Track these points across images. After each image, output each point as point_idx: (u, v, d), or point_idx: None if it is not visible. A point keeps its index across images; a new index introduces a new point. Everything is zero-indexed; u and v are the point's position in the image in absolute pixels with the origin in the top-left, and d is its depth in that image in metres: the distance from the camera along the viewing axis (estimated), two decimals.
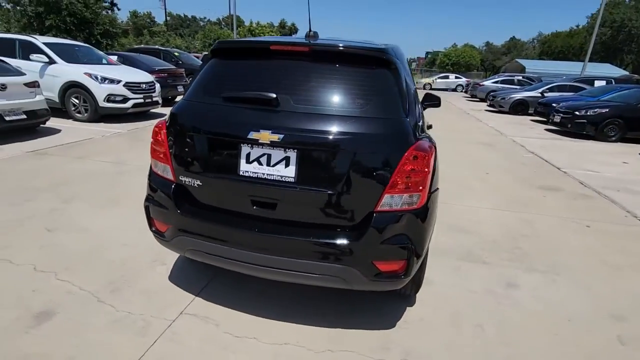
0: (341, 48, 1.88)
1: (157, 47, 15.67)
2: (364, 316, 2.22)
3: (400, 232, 1.79)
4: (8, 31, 17.66)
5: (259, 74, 1.96)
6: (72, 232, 3.04)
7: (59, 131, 6.62)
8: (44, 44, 7.58)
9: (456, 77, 29.69)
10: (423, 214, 1.82)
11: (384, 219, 1.77)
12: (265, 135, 1.74)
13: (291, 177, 1.78)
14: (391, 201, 1.75)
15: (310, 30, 2.17)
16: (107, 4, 28.81)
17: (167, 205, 1.99)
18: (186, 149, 1.94)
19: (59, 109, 7.54)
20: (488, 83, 20.10)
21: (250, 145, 1.80)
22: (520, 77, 20.25)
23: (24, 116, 5.75)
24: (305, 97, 1.84)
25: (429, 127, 3.59)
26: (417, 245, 1.83)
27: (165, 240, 2.08)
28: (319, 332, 2.07)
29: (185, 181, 1.96)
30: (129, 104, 7.66)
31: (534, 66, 29.87)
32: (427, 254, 2.68)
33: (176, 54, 13.76)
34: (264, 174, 1.81)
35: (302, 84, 1.87)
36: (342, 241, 1.76)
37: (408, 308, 2.33)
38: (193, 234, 1.95)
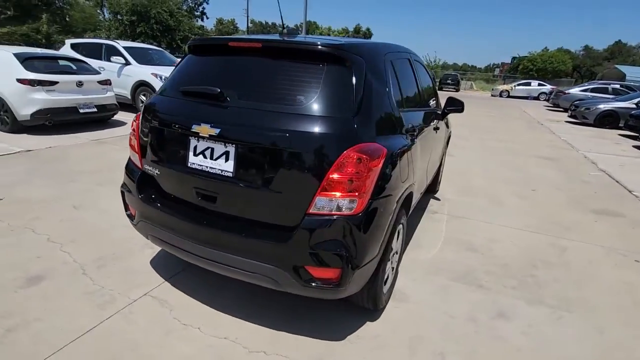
0: (289, 44, 1.84)
1: None
2: (316, 324, 2.13)
3: (333, 237, 1.68)
4: (107, 37, 20.60)
5: (217, 69, 2.00)
6: (92, 211, 3.41)
7: (124, 124, 7.47)
8: (123, 47, 8.64)
9: (539, 84, 26.88)
10: (361, 221, 1.69)
11: (315, 222, 1.67)
12: (205, 129, 1.77)
13: (230, 172, 1.78)
14: (324, 204, 1.66)
15: (284, 28, 2.16)
16: (198, 13, 31.76)
17: (133, 191, 2.13)
18: (150, 140, 2.06)
19: (131, 105, 8.52)
20: (575, 91, 17.82)
21: (196, 138, 1.84)
22: (617, 86, 17.57)
23: (95, 109, 6.61)
24: (250, 92, 1.84)
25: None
26: (353, 255, 1.70)
27: (134, 224, 2.22)
28: (261, 332, 2.03)
29: (148, 170, 2.08)
30: None
31: (636, 73, 25.65)
32: (396, 268, 2.49)
33: None
34: (207, 167, 1.84)
35: (249, 80, 1.87)
36: (271, 241, 1.71)
37: (369, 323, 2.17)
38: (151, 221, 2.06)
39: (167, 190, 2.06)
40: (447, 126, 4.25)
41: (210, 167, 1.83)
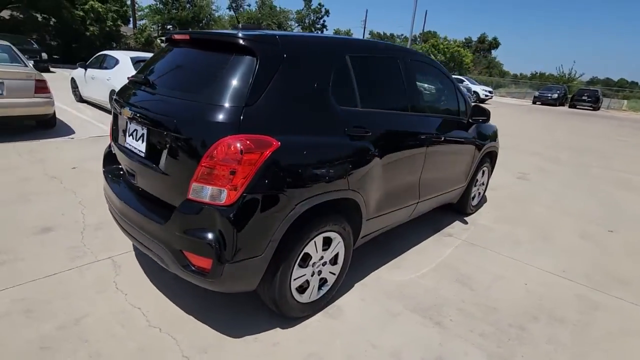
0: (207, 36, 1.89)
1: None
2: (225, 317, 2.10)
3: (204, 226, 1.66)
4: None
5: (162, 60, 2.17)
6: None
7: None
8: None
9: None
10: (232, 214, 1.62)
11: (189, 208, 1.69)
12: (126, 112, 1.95)
13: (142, 152, 1.92)
14: (198, 191, 1.65)
15: (239, 23, 2.22)
16: (319, 25, 33.71)
17: (102, 163, 2.47)
18: (114, 120, 2.36)
19: None
20: None
21: (130, 121, 2.04)
22: None
23: None
24: (171, 81, 1.95)
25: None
26: (223, 247, 1.65)
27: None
28: (171, 312, 2.11)
29: (112, 146, 2.39)
30: None
31: None
32: (337, 280, 2.27)
33: None
34: (133, 147, 2.02)
35: (174, 69, 1.99)
36: (158, 220, 1.79)
37: (279, 329, 2.05)
38: (107, 193, 2.35)
39: (117, 166, 2.33)
40: (487, 139, 3.67)
41: (134, 147, 2.00)
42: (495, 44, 58.83)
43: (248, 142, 1.61)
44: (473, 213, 4.02)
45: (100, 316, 2.03)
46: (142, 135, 1.93)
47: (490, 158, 4.03)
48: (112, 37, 23.01)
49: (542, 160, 7.32)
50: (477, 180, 3.85)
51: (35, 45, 16.18)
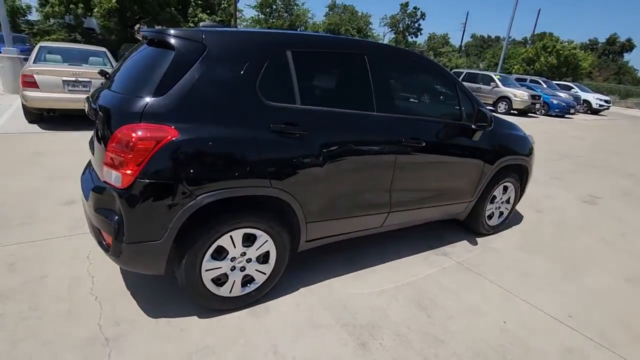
0: (147, 33, 2.03)
1: None
2: (155, 297, 2.22)
3: (108, 206, 1.81)
4: None
5: (129, 57, 2.40)
6: None
7: None
8: None
9: None
10: (126, 197, 1.73)
11: (99, 189, 1.87)
12: (87, 105, 2.21)
13: (94, 139, 2.17)
14: (106, 174, 1.80)
15: (213, 22, 2.34)
16: (413, 29, 32.88)
17: None
18: None
19: None
20: None
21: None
22: None
23: None
24: (120, 76, 2.15)
25: None
26: (120, 227, 1.76)
27: None
28: (116, 283, 2.32)
29: None
30: None
31: None
32: (268, 278, 2.21)
33: None
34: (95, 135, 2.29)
35: (126, 65, 2.19)
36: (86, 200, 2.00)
37: (196, 317, 2.10)
38: None
39: None
40: (507, 150, 3.18)
41: (95, 136, 2.26)
42: (629, 46, 49.55)
43: (144, 130, 1.70)
44: (490, 234, 3.49)
45: (59, 278, 2.34)
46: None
47: (519, 173, 3.45)
48: None
49: (636, 184, 5.96)
50: (494, 197, 3.34)
51: None
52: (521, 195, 3.65)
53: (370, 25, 25.33)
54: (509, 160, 3.22)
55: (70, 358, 1.76)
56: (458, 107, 2.88)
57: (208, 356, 1.84)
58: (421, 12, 45.84)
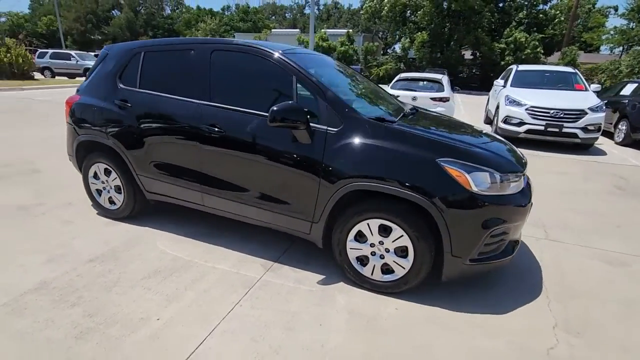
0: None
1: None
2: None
3: None
4: None
5: None
6: None
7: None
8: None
9: None
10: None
11: None
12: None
13: None
14: None
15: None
16: None
17: None
18: None
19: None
20: None
21: None
22: None
23: None
24: None
25: None
26: None
27: None
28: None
29: None
30: (523, 128, 7.21)
31: None
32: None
33: None
34: None
35: None
36: None
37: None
38: None
39: None
40: (367, 169, 2.26)
41: None
42: None
43: (70, 97, 3.30)
44: (366, 288, 2.46)
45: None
46: None
47: (416, 217, 2.21)
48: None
49: None
50: (362, 234, 2.37)
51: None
52: (438, 260, 2.24)
53: None
54: (369, 186, 2.23)
55: None
56: (317, 95, 2.45)
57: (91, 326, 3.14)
58: None
